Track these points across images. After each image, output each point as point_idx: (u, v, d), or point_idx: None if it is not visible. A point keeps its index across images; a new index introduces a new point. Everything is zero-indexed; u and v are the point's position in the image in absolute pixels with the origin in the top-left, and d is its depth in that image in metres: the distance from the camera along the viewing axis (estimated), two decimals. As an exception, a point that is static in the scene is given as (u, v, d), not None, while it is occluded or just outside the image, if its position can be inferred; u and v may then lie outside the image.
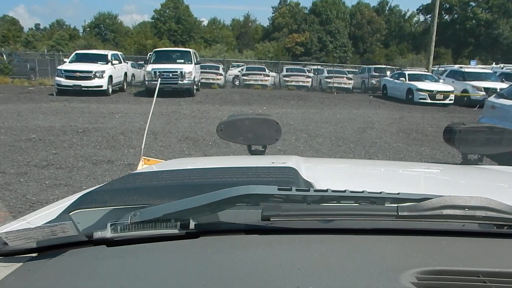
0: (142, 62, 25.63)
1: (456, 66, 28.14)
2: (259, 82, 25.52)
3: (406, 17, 67.56)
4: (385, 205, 0.91)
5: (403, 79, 21.37)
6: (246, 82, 25.66)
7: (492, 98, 9.39)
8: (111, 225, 0.88)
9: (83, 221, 0.96)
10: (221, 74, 25.73)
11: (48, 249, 0.85)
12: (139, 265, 0.80)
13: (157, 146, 8.56)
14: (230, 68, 30.20)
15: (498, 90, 13.15)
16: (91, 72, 18.12)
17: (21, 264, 0.83)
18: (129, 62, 24.33)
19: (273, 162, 1.56)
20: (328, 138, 10.11)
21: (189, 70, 19.17)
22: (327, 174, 1.66)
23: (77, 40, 56.92)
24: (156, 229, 0.88)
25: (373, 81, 26.71)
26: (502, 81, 19.99)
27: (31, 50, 43.60)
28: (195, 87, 20.00)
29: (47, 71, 24.53)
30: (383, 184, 1.50)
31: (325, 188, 0.93)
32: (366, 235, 0.90)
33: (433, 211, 0.85)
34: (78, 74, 18.00)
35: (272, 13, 67.03)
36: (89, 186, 5.81)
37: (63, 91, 17.79)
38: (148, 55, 22.54)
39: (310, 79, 26.76)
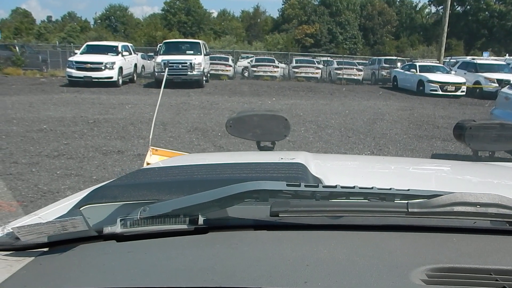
0: (152, 54, 25.66)
1: (468, 58, 27.80)
2: (268, 74, 25.40)
3: (418, 9, 66.78)
4: (395, 201, 0.91)
5: (414, 70, 21.15)
6: (255, 74, 25.57)
7: (505, 89, 9.27)
8: (120, 220, 0.89)
9: (93, 216, 0.97)
10: (230, 66, 25.69)
11: (59, 243, 0.86)
12: (148, 260, 0.81)
13: (167, 136, 8.59)
14: (240, 60, 30.11)
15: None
16: (101, 63, 18.19)
17: (32, 258, 0.83)
18: (139, 54, 24.37)
19: (281, 158, 1.56)
20: (337, 129, 10.07)
21: (199, 61, 19.15)
22: (336, 170, 1.65)
23: (88, 32, 57.12)
24: (165, 225, 0.88)
25: (383, 72, 26.48)
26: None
27: (43, 42, 43.82)
28: (204, 78, 19.99)
29: (59, 63, 24.68)
30: (393, 180, 1.49)
31: (334, 184, 0.93)
32: (376, 232, 0.89)
33: (444, 207, 0.84)
34: (89, 65, 18.07)
35: (282, 4, 66.65)
36: (99, 176, 5.89)
37: (74, 82, 17.90)
38: (158, 46, 22.55)
39: (319, 71, 26.60)
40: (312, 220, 0.91)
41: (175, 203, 0.90)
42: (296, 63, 27.39)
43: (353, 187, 0.91)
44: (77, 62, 18.34)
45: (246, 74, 26.74)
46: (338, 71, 25.88)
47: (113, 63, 18.49)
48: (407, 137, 9.48)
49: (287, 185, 0.90)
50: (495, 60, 26.10)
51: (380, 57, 30.74)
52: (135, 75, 21.41)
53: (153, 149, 2.76)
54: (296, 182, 0.91)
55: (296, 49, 48.93)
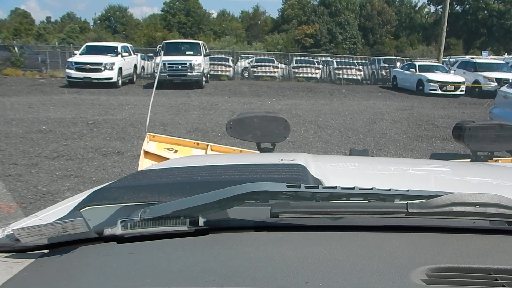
0: (152, 54, 25.65)
1: (468, 57, 27.82)
2: (268, 74, 25.41)
3: (417, 8, 66.77)
4: (395, 202, 0.91)
5: (413, 70, 21.16)
6: (255, 74, 25.58)
7: (504, 88, 9.28)
8: (121, 222, 0.89)
9: (93, 218, 0.97)
10: (230, 66, 25.70)
11: (60, 245, 0.86)
12: (149, 261, 0.81)
13: (167, 138, 8.57)
14: (239, 60, 30.11)
15: (511, 80, 13.00)
16: (101, 64, 18.19)
17: (33, 260, 0.84)
18: (139, 55, 24.37)
19: (281, 159, 1.56)
20: (337, 129, 10.08)
21: (198, 62, 19.17)
22: (336, 171, 1.65)
23: (88, 33, 57.09)
24: (166, 226, 0.88)
25: (383, 72, 26.50)
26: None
27: (42, 43, 43.78)
28: (204, 79, 20.00)
29: (58, 64, 24.65)
30: (392, 181, 1.49)
31: (334, 185, 0.93)
32: (376, 232, 0.89)
33: (443, 208, 0.85)
34: (88, 66, 18.07)
35: (282, 4, 66.66)
36: (99, 177, 5.89)
37: (73, 83, 17.90)
38: (158, 47, 22.54)
39: (319, 71, 26.60)
40: (313, 221, 0.91)
41: (176, 204, 0.90)
42: (295, 63, 27.39)
43: (353, 188, 0.91)
44: (76, 63, 18.34)
45: (246, 74, 26.74)
46: (338, 71, 25.89)
47: (113, 64, 18.48)
48: (407, 136, 9.49)
49: (287, 186, 0.90)
50: (494, 59, 26.12)
51: (379, 57, 30.78)
52: (134, 76, 21.41)
53: (150, 135, 2.74)
54: (296, 183, 0.91)
55: (296, 49, 48.90)
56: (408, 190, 0.92)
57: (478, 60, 22.76)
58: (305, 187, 0.91)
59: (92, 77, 17.96)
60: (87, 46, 20.61)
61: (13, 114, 10.74)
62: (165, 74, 18.31)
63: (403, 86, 21.64)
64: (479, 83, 19.80)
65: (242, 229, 0.92)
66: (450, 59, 27.99)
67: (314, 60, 29.84)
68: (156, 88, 2.94)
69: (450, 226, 0.90)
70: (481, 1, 55.83)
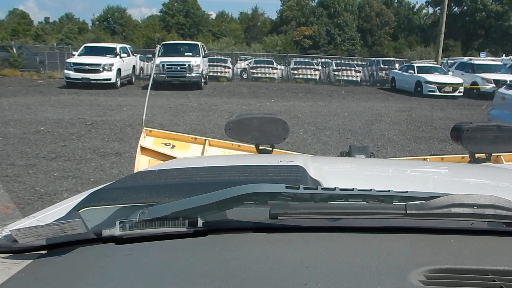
0: (151, 55, 25.63)
1: (466, 58, 27.86)
2: (267, 75, 25.41)
3: (415, 10, 66.92)
4: (393, 203, 0.91)
5: (412, 71, 21.21)
6: (254, 75, 25.57)
7: (502, 89, 9.30)
8: (119, 223, 0.89)
9: (92, 219, 0.97)
10: (229, 67, 25.67)
11: (58, 246, 0.86)
12: (148, 262, 0.81)
13: (165, 139, 8.56)
14: (238, 61, 30.08)
15: (508, 82, 13.03)
16: (99, 65, 18.18)
17: (31, 261, 0.83)
18: (138, 55, 24.34)
19: (280, 161, 1.56)
20: (336, 131, 10.08)
21: (197, 63, 19.16)
22: (334, 173, 1.65)
23: (86, 34, 57.08)
24: (165, 227, 0.88)
25: (382, 73, 26.53)
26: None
27: (40, 43, 43.80)
28: (203, 80, 20.00)
29: (56, 64, 24.62)
30: (391, 182, 1.49)
31: (333, 187, 0.93)
32: (374, 233, 0.89)
33: (442, 209, 0.85)
34: (86, 67, 18.06)
35: (280, 6, 66.65)
36: (97, 178, 5.88)
37: (72, 84, 17.88)
38: (157, 45, 22.53)
39: (318, 72, 26.60)
40: (311, 222, 0.91)
41: (174, 205, 0.90)
42: (294, 64, 27.38)
43: (352, 189, 0.91)
44: (75, 63, 18.33)
45: (244, 75, 26.71)
46: (337, 73, 25.86)
47: (111, 64, 18.47)
48: (405, 138, 9.50)
49: (286, 187, 0.90)
50: (492, 60, 26.16)
51: (378, 58, 30.78)
52: (133, 77, 21.39)
53: (146, 129, 2.72)
54: (295, 184, 0.91)
55: (295, 51, 48.95)
56: (406, 192, 0.92)
57: (476, 62, 22.79)
58: (304, 188, 0.91)
59: (91, 78, 17.94)
60: (85, 47, 20.60)
61: (11, 115, 10.72)
62: (164, 75, 18.32)
63: (401, 87, 21.67)
64: (477, 85, 19.84)
65: (241, 230, 0.92)
66: (448, 61, 28.02)
67: (313, 61, 29.87)
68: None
69: (448, 228, 0.91)
70: (479, 3, 55.98)
